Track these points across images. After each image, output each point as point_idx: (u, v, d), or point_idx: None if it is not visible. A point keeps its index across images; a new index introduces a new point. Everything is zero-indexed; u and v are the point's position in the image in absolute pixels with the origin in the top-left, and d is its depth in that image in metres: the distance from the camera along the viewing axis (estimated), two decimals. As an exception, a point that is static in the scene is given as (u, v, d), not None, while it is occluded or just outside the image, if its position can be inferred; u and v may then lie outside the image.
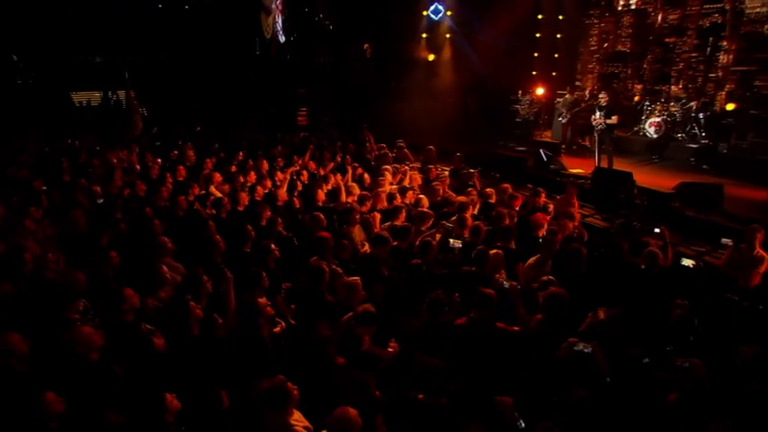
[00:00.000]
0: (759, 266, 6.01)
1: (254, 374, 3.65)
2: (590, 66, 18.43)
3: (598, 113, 10.63)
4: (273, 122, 15.23)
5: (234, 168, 9.28)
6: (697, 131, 12.27)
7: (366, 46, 14.97)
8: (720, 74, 15.09)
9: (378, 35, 14.86)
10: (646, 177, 10.06)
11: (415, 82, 14.77)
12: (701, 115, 12.29)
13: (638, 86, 17.63)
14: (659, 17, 16.32)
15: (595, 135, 11.00)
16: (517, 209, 7.31)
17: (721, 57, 15.09)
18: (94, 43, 19.82)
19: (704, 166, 11.36)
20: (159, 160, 9.80)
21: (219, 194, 7.79)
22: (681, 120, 12.55)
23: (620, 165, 10.97)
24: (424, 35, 14.83)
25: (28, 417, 2.99)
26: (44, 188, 7.83)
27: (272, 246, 5.37)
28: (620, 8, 17.56)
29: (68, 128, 13.63)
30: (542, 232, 6.23)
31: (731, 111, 12.69)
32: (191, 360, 3.90)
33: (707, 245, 7.33)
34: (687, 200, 8.37)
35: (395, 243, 5.78)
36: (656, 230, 6.04)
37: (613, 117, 10.48)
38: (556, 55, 16.76)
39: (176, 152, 10.02)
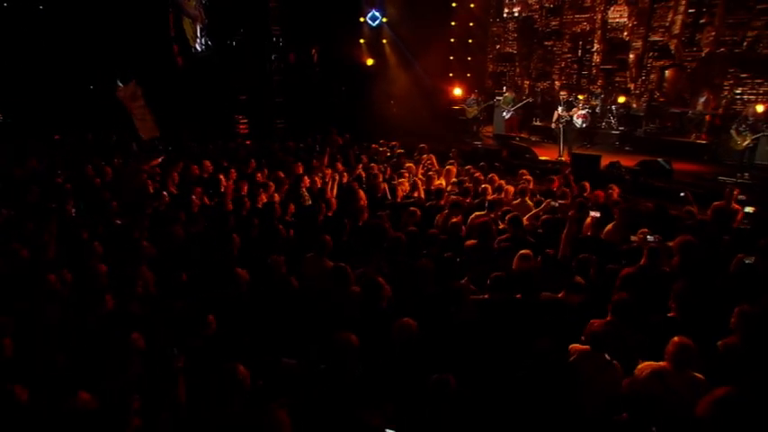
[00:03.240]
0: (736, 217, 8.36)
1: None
2: (485, 65, 21.01)
3: (560, 108, 12.62)
4: (209, 130, 14.78)
5: (260, 178, 9.29)
6: (612, 121, 15.02)
7: (313, 51, 15.31)
8: (594, 71, 18.61)
9: (323, 41, 15.28)
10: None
11: (363, 85, 15.56)
12: (613, 107, 15.05)
13: (527, 82, 20.72)
14: (543, 23, 19.32)
15: (560, 127, 12.98)
16: (554, 189, 8.78)
17: (594, 57, 18.58)
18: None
19: (627, 148, 14.08)
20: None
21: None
22: (600, 112, 15.20)
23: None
24: (362, 41, 15.68)
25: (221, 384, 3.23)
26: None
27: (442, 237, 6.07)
28: (505, 15, 20.38)
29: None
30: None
31: (622, 102, 15.77)
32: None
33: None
34: (649, 173, 10.66)
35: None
36: (682, 194, 7.80)
37: (572, 110, 12.58)
38: (469, 58, 18.79)
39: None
